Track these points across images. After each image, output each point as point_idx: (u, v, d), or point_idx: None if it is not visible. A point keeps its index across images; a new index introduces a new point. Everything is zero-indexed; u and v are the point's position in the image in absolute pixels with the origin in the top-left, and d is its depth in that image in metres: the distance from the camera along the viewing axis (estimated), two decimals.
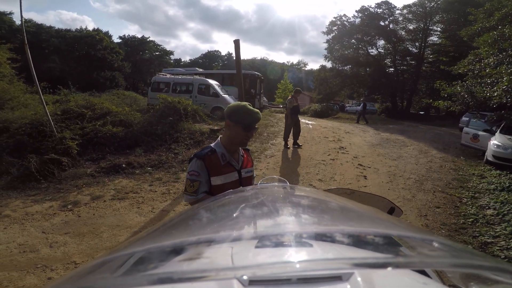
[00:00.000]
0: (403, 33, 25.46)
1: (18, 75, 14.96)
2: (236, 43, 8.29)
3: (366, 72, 26.84)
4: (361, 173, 6.05)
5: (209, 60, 65.43)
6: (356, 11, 26.78)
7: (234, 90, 11.91)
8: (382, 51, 26.50)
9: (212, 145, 1.59)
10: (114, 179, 5.41)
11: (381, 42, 26.06)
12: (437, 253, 0.50)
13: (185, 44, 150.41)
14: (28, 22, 34.92)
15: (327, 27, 27.43)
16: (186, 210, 0.98)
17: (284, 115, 8.56)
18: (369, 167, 6.52)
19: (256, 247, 0.52)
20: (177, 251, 0.54)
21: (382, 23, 25.36)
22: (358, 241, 0.56)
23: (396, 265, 0.36)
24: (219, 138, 1.61)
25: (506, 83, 6.01)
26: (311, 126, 11.69)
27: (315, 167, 6.33)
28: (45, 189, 5.06)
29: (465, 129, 9.07)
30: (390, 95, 26.06)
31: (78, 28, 40.39)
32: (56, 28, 39.57)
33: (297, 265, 0.39)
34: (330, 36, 27.17)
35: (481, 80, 7.70)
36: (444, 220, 4.21)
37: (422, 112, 27.82)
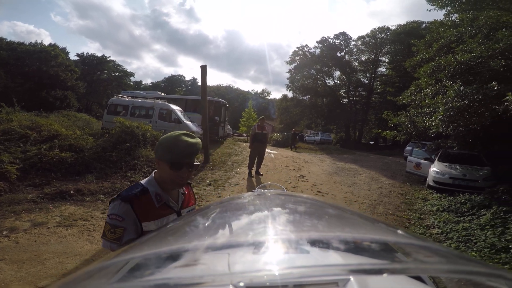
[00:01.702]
0: (356, 64, 27.71)
1: None
2: (203, 68, 8.36)
3: (323, 102, 28.46)
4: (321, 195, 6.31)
5: (172, 84, 64.36)
6: (316, 42, 29.04)
7: (198, 117, 11.72)
8: (338, 81, 28.63)
9: (143, 182, 1.28)
10: (60, 205, 4.91)
11: (337, 73, 28.25)
12: (433, 259, 0.50)
13: (147, 66, 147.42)
14: None
15: (290, 57, 29.22)
16: (182, 217, 0.96)
17: (248, 144, 8.61)
18: (327, 194, 6.84)
19: (253, 253, 0.52)
20: (174, 257, 0.53)
21: (338, 54, 27.49)
22: (354, 248, 0.56)
23: (392, 271, 0.37)
24: (153, 174, 1.32)
25: (442, 113, 6.34)
26: (273, 156, 12.02)
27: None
28: None
29: (409, 157, 10.16)
30: (344, 126, 27.76)
31: (33, 42, 37.47)
32: (8, 40, 36.28)
33: (294, 272, 0.39)
34: (292, 66, 28.82)
35: (421, 110, 8.14)
36: None
37: (371, 142, 29.95)
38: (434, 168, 8.05)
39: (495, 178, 7.29)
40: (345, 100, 28.77)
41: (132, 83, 51.94)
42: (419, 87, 9.06)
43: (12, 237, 3.71)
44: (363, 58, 27.39)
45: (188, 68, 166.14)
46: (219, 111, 14.93)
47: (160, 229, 0.85)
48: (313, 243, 0.57)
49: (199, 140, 1.25)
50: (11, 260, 3.14)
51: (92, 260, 3.25)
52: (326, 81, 28.46)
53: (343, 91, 28.77)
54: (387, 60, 26.37)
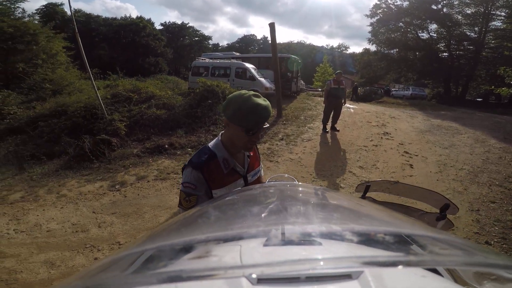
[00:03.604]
0: (459, 17, 23.10)
1: (73, 62, 16.41)
2: (272, 26, 8.28)
3: (415, 56, 25.13)
4: (407, 162, 5.65)
5: (246, 44, 65.58)
6: None
7: (270, 73, 11.83)
8: (435, 35, 24.40)
9: (210, 146, 1.24)
10: (157, 159, 5.70)
11: (433, 26, 24.03)
12: (449, 252, 0.50)
13: (222, 28, 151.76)
14: (78, 12, 37.75)
15: (370, 10, 25.98)
16: (195, 209, 0.99)
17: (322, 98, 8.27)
18: (416, 155, 6.05)
19: (265, 245, 0.52)
20: (186, 249, 0.54)
21: (434, 7, 23.21)
22: (368, 240, 0.54)
23: (407, 264, 0.36)
24: (219, 137, 1.27)
25: None
26: (352, 110, 11.11)
27: (355, 153, 6.05)
28: (96, 169, 5.48)
29: None
30: (443, 81, 23.95)
31: (123, 16, 42.77)
32: (103, 17, 42.34)
33: (306, 264, 0.39)
34: (374, 19, 25.76)
35: None
36: (499, 217, 3.79)
37: (479, 99, 25.22)
38: None
39: None
40: (444, 54, 24.54)
41: (210, 46, 54.65)
42: None
43: (122, 191, 4.35)
44: (469, 11, 22.37)
45: (258, 27, 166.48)
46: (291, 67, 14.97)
47: (172, 220, 0.88)
48: (326, 235, 0.56)
49: (268, 102, 1.18)
50: (120, 214, 3.69)
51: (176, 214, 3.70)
52: (419, 34, 24.60)
53: (442, 45, 24.44)
54: (503, 13, 21.24)
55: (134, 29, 38.74)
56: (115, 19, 41.86)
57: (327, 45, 70.91)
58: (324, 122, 7.58)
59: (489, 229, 3.50)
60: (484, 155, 6.36)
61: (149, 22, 43.06)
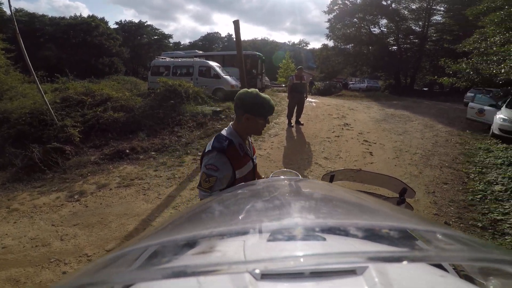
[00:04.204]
0: (406, 12, 25.10)
1: (14, 65, 14.83)
2: (236, 24, 8.22)
3: (368, 50, 26.67)
4: (367, 150, 5.99)
5: (209, 42, 64.63)
6: None
7: (235, 71, 11.82)
8: (385, 30, 26.22)
9: (225, 134, 1.43)
10: (119, 165, 5.38)
11: (384, 21, 25.77)
12: (454, 247, 0.49)
13: (184, 26, 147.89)
14: (19, 12, 34.24)
15: (328, 6, 27.01)
16: (198, 204, 0.98)
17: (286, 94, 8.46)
18: (375, 143, 6.45)
19: (268, 240, 0.52)
20: (190, 244, 0.55)
21: (384, 3, 24.97)
22: (372, 235, 0.55)
23: (412, 259, 0.36)
24: (231, 126, 1.48)
25: None
26: (314, 104, 11.49)
27: (320, 144, 6.27)
28: (50, 180, 5.05)
29: (471, 104, 9.23)
30: (394, 73, 25.87)
31: (72, 15, 39.47)
32: (50, 16, 38.80)
33: (310, 259, 0.38)
34: (331, 15, 26.85)
35: (487, 57, 7.94)
36: (453, 197, 4.12)
37: (425, 89, 27.74)
38: (501, 115, 7.14)
39: None
40: (394, 47, 26.66)
41: (171, 44, 52.93)
42: (483, 35, 8.89)
43: (82, 201, 4.06)
44: (414, 7, 24.55)
45: (223, 25, 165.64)
46: (255, 64, 15.19)
47: (176, 215, 0.88)
48: (330, 230, 0.56)
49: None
50: (83, 225, 3.46)
51: (148, 220, 3.49)
52: (372, 30, 26.36)
53: (392, 39, 26.55)
54: (442, 8, 23.65)
55: (86, 29, 35.99)
56: (63, 18, 38.53)
57: (289, 42, 72.97)
58: (289, 117, 7.77)
59: (446, 210, 3.77)
60: (433, 139, 7.00)
61: (103, 21, 40.35)
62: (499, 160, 5.41)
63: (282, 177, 1.41)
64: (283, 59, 30.17)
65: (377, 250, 0.40)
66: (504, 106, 7.58)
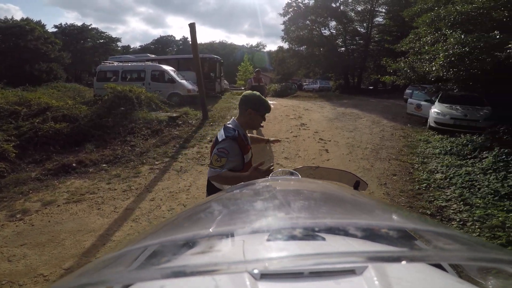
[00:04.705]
0: (352, 14, 26.82)
1: None
2: (192, 27, 8.20)
3: (320, 52, 27.86)
4: (323, 147, 6.27)
5: (162, 45, 62.60)
6: None
7: (192, 75, 11.55)
8: (334, 31, 27.66)
9: (231, 126, 1.74)
10: (65, 180, 4.89)
11: (333, 23, 27.24)
12: (453, 247, 0.50)
13: (134, 29, 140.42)
14: None
15: (283, 9, 27.80)
16: (198, 204, 0.98)
17: None
18: (330, 141, 6.78)
19: (268, 240, 0.52)
20: (189, 244, 0.55)
21: (333, 5, 26.27)
22: (371, 235, 0.55)
23: (411, 259, 0.36)
24: (235, 120, 1.79)
25: (442, 59, 6.74)
26: (272, 106, 11.71)
27: (279, 145, 6.39)
28: None
29: (409, 100, 10.29)
30: (343, 73, 27.48)
31: (2, 18, 34.85)
32: None
33: (309, 259, 0.38)
34: (286, 18, 27.62)
35: (420, 56, 8.51)
36: (402, 187, 4.43)
37: (371, 87, 30.02)
38: (435, 109, 8.04)
39: (495, 118, 7.25)
40: (342, 49, 28.45)
41: (119, 48, 49.93)
42: (417, 35, 9.44)
43: (27, 220, 3.69)
44: (359, 9, 26.64)
45: (177, 28, 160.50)
46: (213, 67, 14.97)
47: (175, 216, 0.88)
48: (329, 230, 0.56)
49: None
50: (32, 244, 3.15)
51: (107, 234, 3.27)
52: (322, 32, 27.78)
53: (340, 40, 28.37)
54: (383, 10, 25.96)
55: (18, 32, 31.87)
56: None
57: (247, 44, 72.99)
58: None
59: (398, 200, 4.04)
60: (380, 134, 7.61)
61: (39, 24, 36.43)
62: (437, 150, 6.07)
63: (282, 176, 1.45)
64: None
65: (376, 250, 0.41)
66: (437, 101, 8.51)
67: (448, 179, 4.60)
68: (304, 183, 1.14)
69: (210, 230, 0.52)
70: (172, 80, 11.76)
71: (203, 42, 60.44)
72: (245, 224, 0.57)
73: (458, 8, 6.53)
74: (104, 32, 47.65)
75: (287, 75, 30.81)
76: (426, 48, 8.05)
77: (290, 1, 27.27)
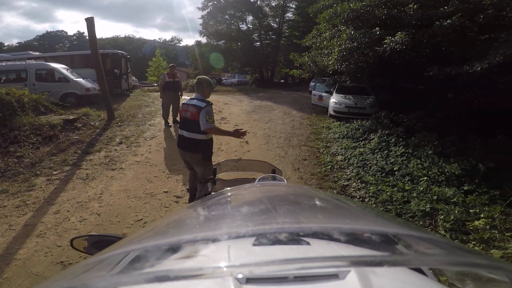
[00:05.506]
0: (267, 9, 27.76)
1: None
2: (89, 21, 7.52)
3: (238, 46, 28.23)
4: (243, 139, 6.50)
5: (50, 42, 54.48)
6: None
7: (91, 72, 10.22)
8: (251, 26, 28.33)
9: (202, 98, 2.92)
10: None
11: (250, 18, 27.83)
12: (434, 251, 0.50)
13: (9, 25, 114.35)
14: None
15: (202, 3, 27.05)
16: (182, 209, 0.95)
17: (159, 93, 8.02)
18: (249, 133, 7.01)
19: (253, 245, 0.53)
20: (174, 249, 0.54)
21: (251, 0, 26.68)
22: (355, 239, 0.56)
23: (393, 263, 0.37)
24: (199, 95, 2.95)
25: (336, 53, 7.42)
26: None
27: None
28: None
29: (313, 92, 11.61)
30: (258, 67, 28.62)
31: None
32: None
33: (294, 263, 0.39)
34: (205, 12, 27.01)
35: (321, 51, 9.24)
36: (312, 170, 4.86)
37: (282, 81, 32.14)
38: (333, 99, 9.23)
39: (378, 105, 8.67)
40: (257, 43, 29.42)
41: None
42: (319, 31, 9.99)
43: None
44: (273, 4, 27.76)
45: (70, 22, 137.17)
46: (118, 63, 13.58)
47: (159, 221, 0.87)
48: (314, 234, 0.58)
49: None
50: None
51: (7, 254, 2.72)
52: (240, 26, 28.19)
53: (256, 35, 29.23)
54: (294, 6, 27.45)
55: None
56: None
57: (159, 39, 68.98)
58: (165, 117, 7.45)
59: (310, 183, 4.40)
60: (291, 124, 8.37)
61: None
62: (336, 135, 7.00)
63: (268, 181, 1.45)
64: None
65: (359, 255, 0.44)
66: (334, 92, 9.77)
67: (347, 160, 5.19)
68: (290, 188, 1.16)
69: (195, 235, 0.52)
70: (65, 79, 10.25)
71: (104, 37, 55.18)
72: (231, 228, 0.57)
73: (351, 5, 6.91)
74: None
75: (205, 69, 30.36)
76: (325, 43, 8.58)
77: None
